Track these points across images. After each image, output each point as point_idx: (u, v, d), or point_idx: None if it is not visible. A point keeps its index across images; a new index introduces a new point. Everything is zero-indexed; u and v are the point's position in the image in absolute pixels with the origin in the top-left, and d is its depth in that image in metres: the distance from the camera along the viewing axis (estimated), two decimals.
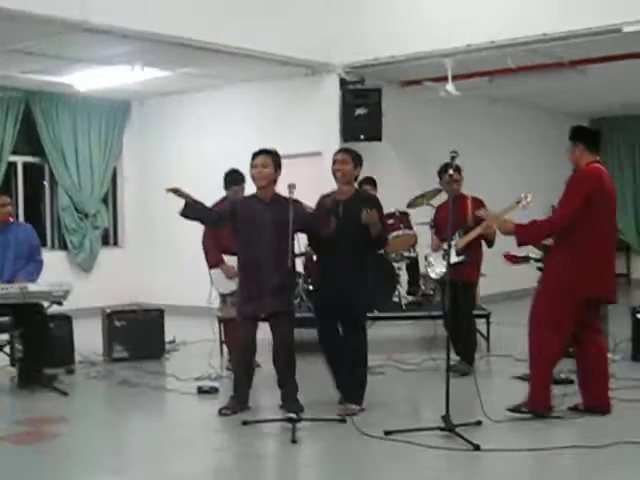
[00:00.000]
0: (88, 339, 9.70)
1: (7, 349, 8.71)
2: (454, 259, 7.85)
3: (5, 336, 8.58)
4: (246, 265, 7.05)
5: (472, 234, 8.19)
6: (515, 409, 6.69)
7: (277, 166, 7.02)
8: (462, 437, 6.03)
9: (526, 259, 8.19)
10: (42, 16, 8.84)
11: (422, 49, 11.09)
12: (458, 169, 8.16)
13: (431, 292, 10.58)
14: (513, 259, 8.06)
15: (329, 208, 6.98)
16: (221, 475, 5.96)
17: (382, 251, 9.57)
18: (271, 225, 6.84)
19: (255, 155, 7.03)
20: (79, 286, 9.21)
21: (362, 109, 11.92)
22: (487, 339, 9.71)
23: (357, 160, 7.15)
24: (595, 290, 6.57)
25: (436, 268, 8.70)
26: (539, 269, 7.87)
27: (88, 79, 12.20)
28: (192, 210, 6.95)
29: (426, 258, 9.04)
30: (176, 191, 6.89)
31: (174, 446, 6.30)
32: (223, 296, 8.81)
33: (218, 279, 8.70)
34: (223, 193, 8.73)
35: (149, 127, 14.54)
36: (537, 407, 6.62)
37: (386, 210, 9.70)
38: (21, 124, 13.18)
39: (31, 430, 6.75)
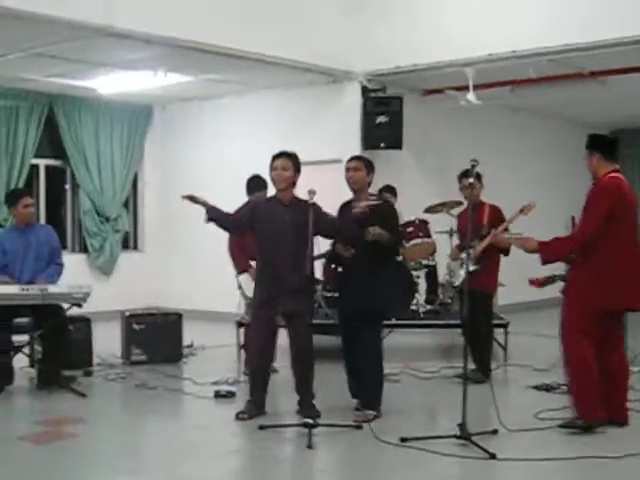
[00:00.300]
0: (107, 342, 9.75)
1: (27, 350, 8.78)
2: (470, 268, 7.85)
3: (25, 337, 8.64)
4: (264, 266, 7.08)
5: (482, 244, 8.21)
6: (568, 425, 6.58)
7: (297, 169, 7.05)
8: (478, 445, 6.03)
9: (552, 280, 8.17)
10: (67, 20, 8.91)
11: (444, 58, 11.11)
12: (479, 177, 8.18)
13: (449, 301, 10.57)
14: (538, 283, 8.06)
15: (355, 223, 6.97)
16: (237, 479, 5.99)
17: (401, 259, 9.59)
18: (290, 227, 6.86)
19: (275, 158, 7.06)
20: (99, 289, 9.27)
21: (383, 117, 11.94)
22: (505, 349, 9.69)
23: (369, 167, 7.20)
24: (617, 302, 6.54)
25: (459, 276, 8.70)
26: (562, 280, 7.85)
27: (111, 83, 12.29)
28: (214, 216, 7.03)
29: (448, 267, 9.05)
30: (192, 198, 7.00)
31: (190, 449, 6.33)
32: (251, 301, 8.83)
33: (246, 284, 8.73)
34: (244, 199, 8.76)
35: (171, 132, 14.61)
36: (587, 417, 6.50)
37: (406, 218, 9.80)
38: (44, 127, 13.28)
39: (49, 430, 6.80)
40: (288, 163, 7.01)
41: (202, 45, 10.15)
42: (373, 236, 6.80)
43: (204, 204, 7.03)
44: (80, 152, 13.69)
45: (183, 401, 8.08)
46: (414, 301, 10.17)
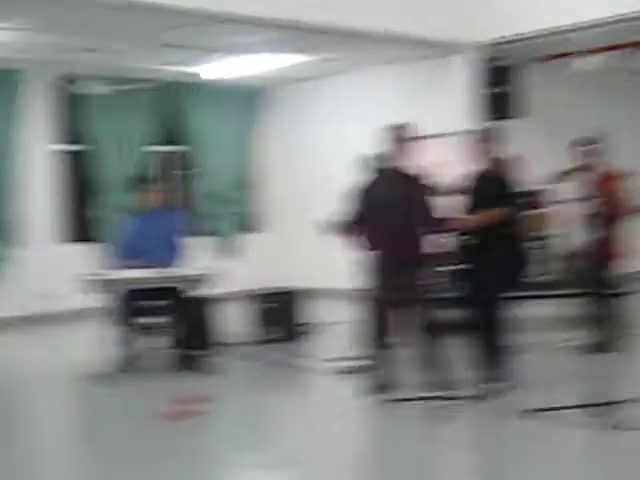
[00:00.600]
0: (235, 322, 9.94)
1: (159, 332, 9.01)
2: (589, 237, 7.71)
3: (158, 319, 8.86)
4: (375, 241, 7.09)
5: (598, 211, 8.02)
6: None
7: (409, 140, 7.04)
8: (604, 416, 5.95)
9: None
10: (179, 8, 9.04)
11: (565, 22, 10.80)
12: (602, 143, 8.02)
13: (570, 270, 10.37)
14: None
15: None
16: (362, 454, 6.06)
17: (519, 229, 9.48)
18: (400, 200, 6.85)
19: (388, 130, 7.07)
20: (226, 270, 9.40)
21: (502, 87, 11.79)
22: (631, 318, 9.47)
23: (490, 139, 7.21)
24: None
25: (581, 245, 8.56)
26: None
27: (225, 68, 12.42)
28: (347, 228, 7.21)
29: (570, 236, 8.91)
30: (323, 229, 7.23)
31: (315, 426, 6.44)
32: None
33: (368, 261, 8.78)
34: (358, 178, 8.77)
35: (287, 113, 14.70)
36: None
37: (527, 188, 9.65)
38: (161, 114, 13.54)
39: (182, 408, 7.00)
40: (399, 135, 7.01)
41: (316, 25, 10.17)
42: (482, 222, 6.76)
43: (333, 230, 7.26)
44: (198, 136, 13.94)
45: (309, 378, 8.21)
46: (533, 272, 10.01)
